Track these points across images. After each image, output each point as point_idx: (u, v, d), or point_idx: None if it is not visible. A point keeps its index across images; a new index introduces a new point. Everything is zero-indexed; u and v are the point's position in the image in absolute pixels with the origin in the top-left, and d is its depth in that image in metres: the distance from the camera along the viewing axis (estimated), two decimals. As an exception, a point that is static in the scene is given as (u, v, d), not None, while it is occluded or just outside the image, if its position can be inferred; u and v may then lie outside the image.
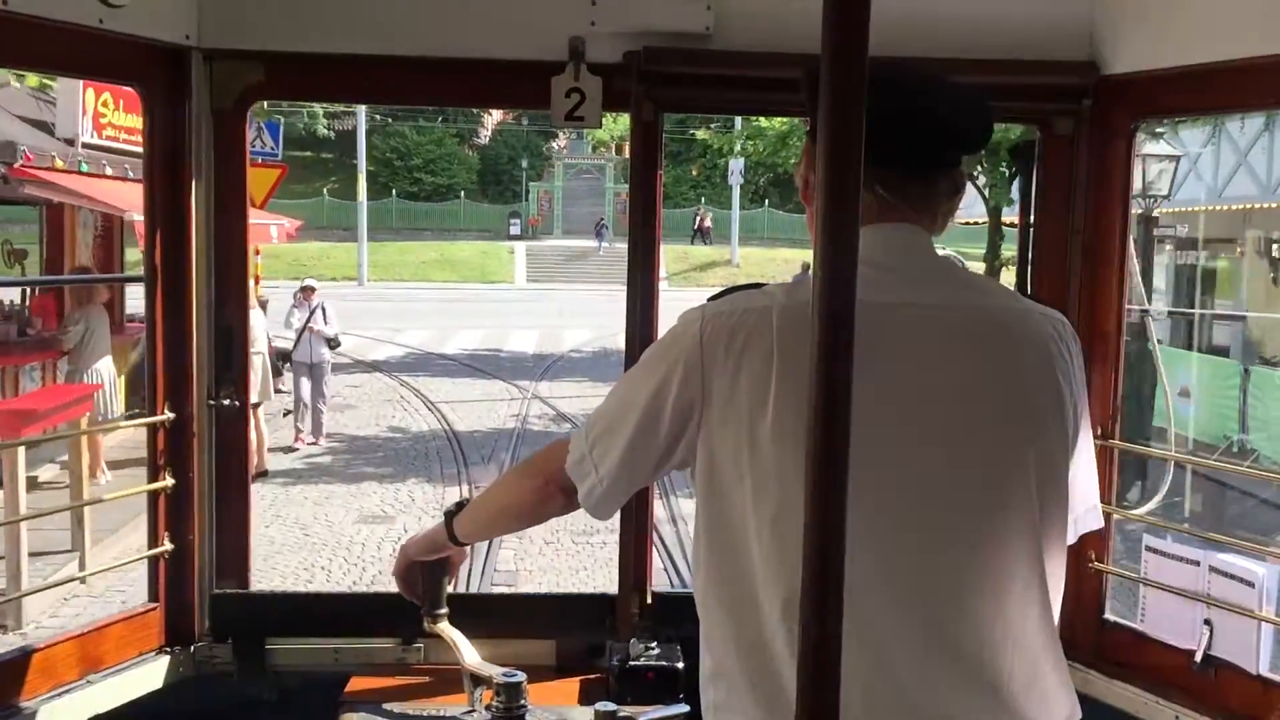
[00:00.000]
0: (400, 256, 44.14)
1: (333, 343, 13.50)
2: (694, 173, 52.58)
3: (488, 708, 2.16)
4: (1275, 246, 17.62)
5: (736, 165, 38.51)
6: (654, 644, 2.51)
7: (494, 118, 55.65)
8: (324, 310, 13.31)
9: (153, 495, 2.64)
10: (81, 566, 7.77)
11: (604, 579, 8.41)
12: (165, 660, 2.62)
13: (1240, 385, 13.09)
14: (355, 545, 9.74)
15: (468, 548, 2.14)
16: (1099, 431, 2.50)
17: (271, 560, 9.09)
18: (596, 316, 27.05)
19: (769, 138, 19.22)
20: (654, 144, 2.67)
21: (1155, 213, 13.27)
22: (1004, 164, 15.44)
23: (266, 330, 11.87)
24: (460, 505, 2.04)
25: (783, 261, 40.75)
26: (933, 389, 1.55)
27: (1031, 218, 2.74)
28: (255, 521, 3.06)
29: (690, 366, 1.58)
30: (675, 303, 1.94)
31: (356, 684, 2.52)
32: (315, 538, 9.96)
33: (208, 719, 2.69)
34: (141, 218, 2.65)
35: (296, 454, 12.95)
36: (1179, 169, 13.61)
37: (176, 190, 2.59)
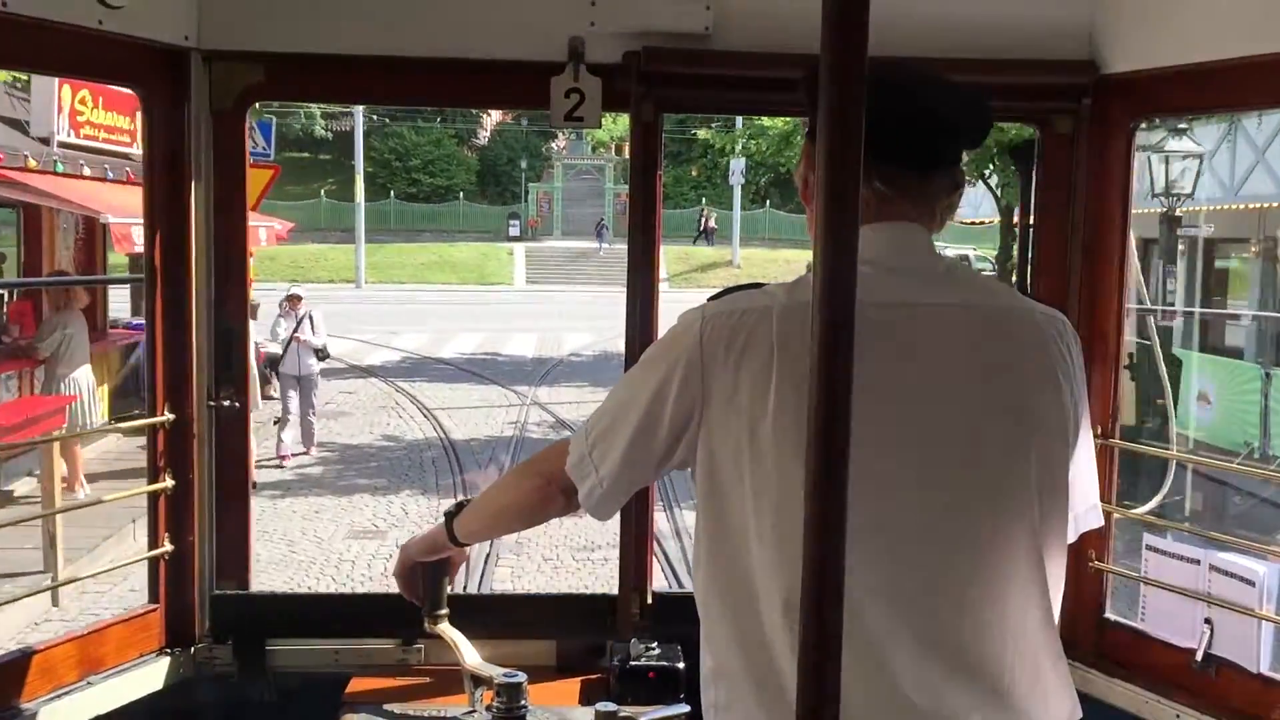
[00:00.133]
0: (398, 258, 44.00)
1: (321, 354, 12.83)
2: (694, 173, 52.51)
3: (488, 708, 2.15)
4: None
5: (738, 165, 38.53)
6: (654, 644, 2.51)
7: (493, 118, 55.56)
8: (311, 319, 12.66)
9: (153, 496, 2.64)
10: (54, 591, 7.41)
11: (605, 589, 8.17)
12: (165, 661, 2.62)
13: (1262, 389, 12.68)
14: (345, 563, 9.37)
15: (467, 549, 2.14)
16: (1099, 431, 2.50)
17: (257, 578, 8.84)
18: (597, 319, 26.85)
19: (772, 137, 18.90)
20: (654, 144, 2.67)
21: (1178, 212, 12.84)
22: (1014, 163, 15.08)
23: (253, 336, 11.56)
24: (460, 506, 2.04)
25: (784, 262, 40.68)
26: (933, 388, 1.55)
27: (1031, 217, 2.75)
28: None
29: (690, 367, 1.58)
30: (676, 304, 1.93)
31: (357, 685, 2.52)
32: (302, 554, 9.56)
33: None
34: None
35: (286, 464, 12.49)
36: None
37: (176, 191, 2.59)
